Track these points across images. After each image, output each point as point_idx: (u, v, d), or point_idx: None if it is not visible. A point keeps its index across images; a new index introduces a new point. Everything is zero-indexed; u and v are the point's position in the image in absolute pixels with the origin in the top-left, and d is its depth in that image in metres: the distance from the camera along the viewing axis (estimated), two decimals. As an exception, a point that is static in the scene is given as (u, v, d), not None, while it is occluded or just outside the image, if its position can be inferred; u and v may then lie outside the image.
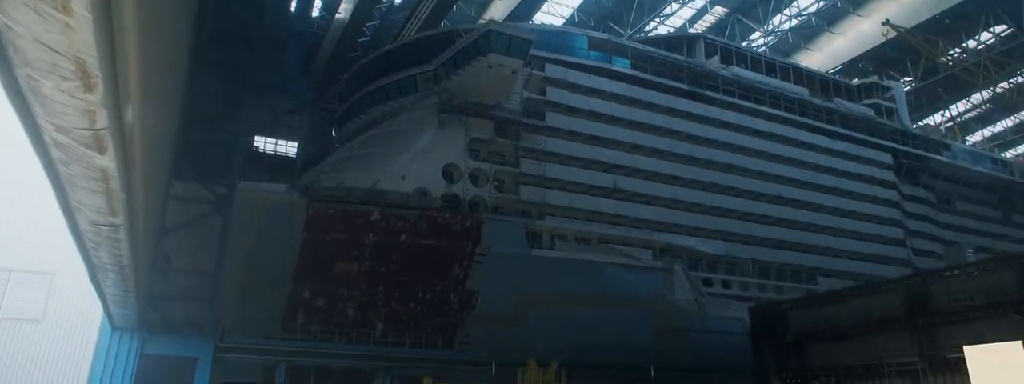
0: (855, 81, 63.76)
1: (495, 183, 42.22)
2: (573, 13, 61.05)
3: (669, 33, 63.55)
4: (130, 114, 9.80)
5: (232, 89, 33.27)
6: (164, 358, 33.79)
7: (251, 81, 37.26)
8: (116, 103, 8.46)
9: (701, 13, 64.40)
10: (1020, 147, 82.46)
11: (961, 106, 77.98)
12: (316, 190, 37.87)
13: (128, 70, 8.37)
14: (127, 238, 14.60)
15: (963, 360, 26.69)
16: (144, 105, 10.80)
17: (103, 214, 12.86)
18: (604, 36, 50.63)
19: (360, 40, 51.04)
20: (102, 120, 8.19)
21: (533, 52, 41.69)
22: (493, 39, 38.70)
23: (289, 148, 53.52)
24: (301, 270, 37.92)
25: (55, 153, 9.32)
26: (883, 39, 58.67)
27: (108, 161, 9.75)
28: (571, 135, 44.61)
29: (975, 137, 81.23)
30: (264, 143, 53.15)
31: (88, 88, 7.10)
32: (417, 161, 39.99)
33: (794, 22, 66.04)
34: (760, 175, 50.79)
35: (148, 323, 33.49)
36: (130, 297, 24.18)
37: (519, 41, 39.21)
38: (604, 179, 44.61)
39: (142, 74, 9.38)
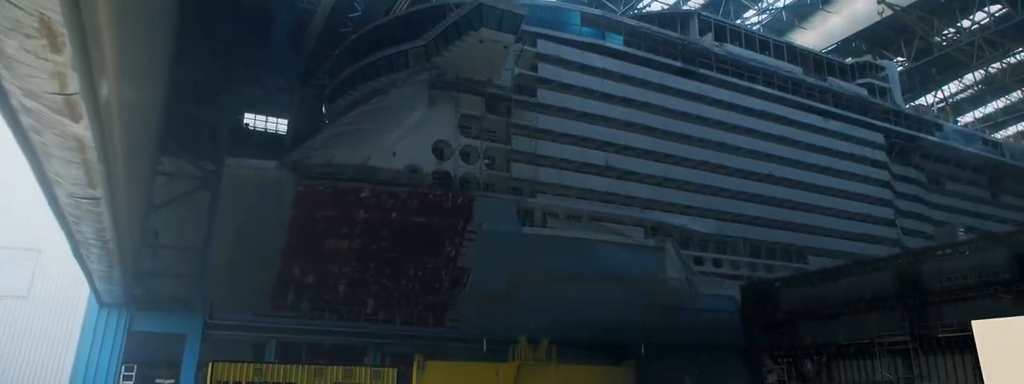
0: (849, 60, 63.51)
1: (486, 160, 41.98)
2: (566, -12, 60.17)
3: (663, 10, 63.05)
4: (106, 82, 9.44)
5: (220, 63, 32.73)
6: (152, 335, 33.55)
7: (240, 56, 36.73)
8: (87, 67, 8.09)
9: (695, -10, 63.79)
10: (1011, 128, 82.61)
11: (953, 87, 77.93)
12: (305, 167, 37.49)
13: (99, 32, 8.00)
14: (108, 212, 14.27)
15: (953, 340, 26.82)
16: (122, 73, 10.43)
17: (82, 186, 12.52)
18: (597, 12, 50.12)
19: (351, 15, 50.25)
20: (73, 84, 7.83)
21: (525, 27, 41.23)
22: (484, 13, 38.22)
23: (279, 125, 53.02)
24: (291, 247, 37.76)
25: (26, 120, 8.97)
26: (878, 18, 58.30)
27: (83, 129, 9.40)
28: (563, 112, 44.29)
29: (966, 118, 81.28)
30: (254, 120, 52.64)
31: (55, 48, 6.76)
32: (408, 138, 39.64)
33: (788, 0, 65.51)
34: (752, 154, 50.68)
35: (135, 299, 33.22)
36: (115, 273, 23.87)
37: (511, 16, 38.75)
38: (596, 157, 44.38)
39: (117, 39, 9.00)
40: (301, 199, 36.60)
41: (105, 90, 9.53)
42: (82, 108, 8.71)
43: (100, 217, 14.99)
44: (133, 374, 31.24)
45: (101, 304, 31.51)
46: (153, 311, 33.92)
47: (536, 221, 41.49)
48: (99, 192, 12.96)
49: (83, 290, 30.61)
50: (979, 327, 22.42)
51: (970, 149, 63.78)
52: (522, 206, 41.35)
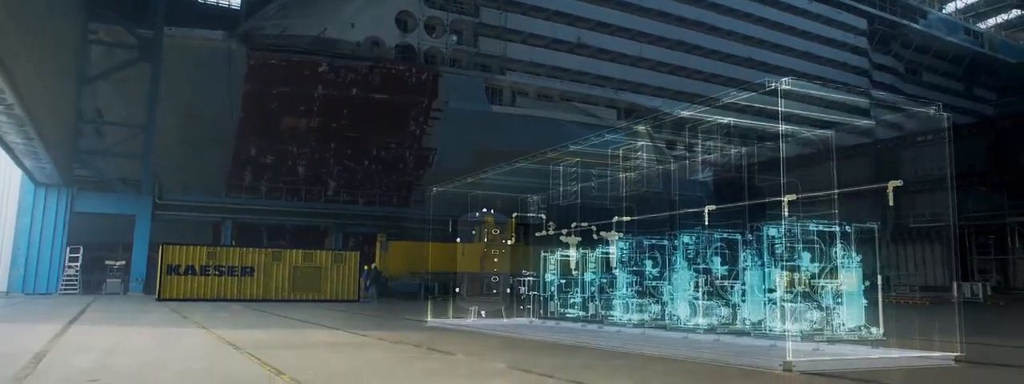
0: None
1: (453, 33, 39.37)
2: None
3: None
4: None
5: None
6: (99, 216, 31.86)
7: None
8: None
9: None
10: (989, 20, 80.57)
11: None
12: (256, 37, 34.75)
13: None
14: (2, 73, 12.14)
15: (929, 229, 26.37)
16: None
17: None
18: None
19: None
20: None
21: None
22: None
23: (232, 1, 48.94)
24: (246, 125, 35.94)
25: None
26: None
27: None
28: (534, -17, 41.24)
29: (949, 8, 78.90)
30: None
31: None
32: (368, 7, 36.75)
33: None
34: (730, 35, 48.43)
35: (77, 180, 31.36)
36: (37, 147, 21.78)
37: None
38: (568, 32, 41.87)
39: None
40: (254, 73, 34.29)
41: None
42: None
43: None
44: (79, 256, 29.72)
45: (37, 184, 29.48)
46: (97, 192, 32.09)
47: (505, 99, 39.62)
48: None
49: (17, 170, 28.45)
50: None
51: (951, 39, 62.12)
52: (490, 83, 39.36)
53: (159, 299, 24.36)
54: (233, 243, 31.78)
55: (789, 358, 6.41)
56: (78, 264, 29.69)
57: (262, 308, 20.20)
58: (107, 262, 31.06)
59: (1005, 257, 31.92)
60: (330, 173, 38.16)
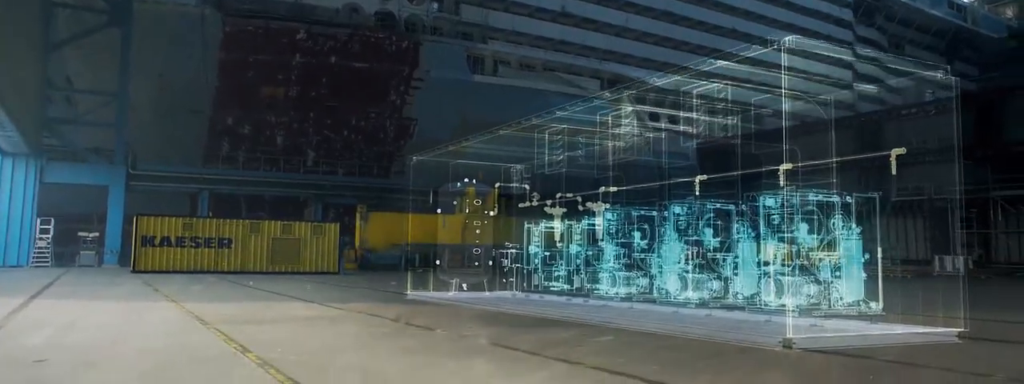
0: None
1: (433, 1, 38.47)
2: None
3: None
4: None
5: None
6: (71, 187, 31.08)
7: None
8: None
9: None
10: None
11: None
12: (232, 3, 33.68)
13: None
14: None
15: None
16: None
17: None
18: None
19: None
20: None
21: None
22: None
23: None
24: (222, 94, 35.11)
25: None
26: None
27: None
28: (518, -50, 40.31)
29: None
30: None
31: None
32: (346, -27, 35.75)
33: None
34: (717, 6, 47.84)
35: (47, 149, 30.52)
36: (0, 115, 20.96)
37: None
38: (552, 1, 41.07)
39: None
40: (230, 40, 33.40)
41: None
42: None
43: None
44: (51, 228, 28.93)
45: (3, 153, 28.53)
46: (69, 162, 31.28)
47: (487, 69, 38.88)
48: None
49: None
50: None
51: (935, 12, 61.87)
52: (472, 52, 38.54)
53: (134, 271, 23.81)
54: (210, 214, 31.12)
55: (789, 334, 6.06)
56: (49, 236, 28.91)
57: (238, 280, 19.71)
58: (80, 234, 30.27)
59: (987, 231, 31.95)
60: (309, 143, 37.48)
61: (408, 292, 13.81)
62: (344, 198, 35.97)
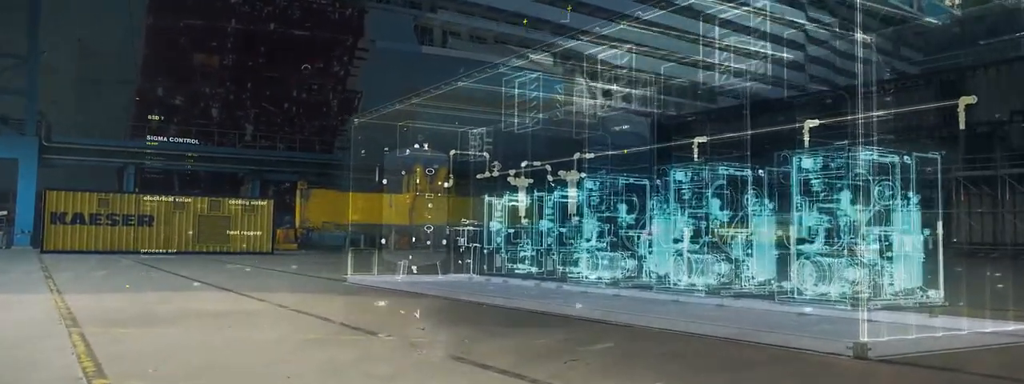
0: None
1: (380, -36, 36.34)
2: None
3: None
4: None
5: None
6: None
7: None
8: None
9: None
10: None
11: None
12: (159, -40, 31.05)
13: None
14: None
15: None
16: None
17: None
18: None
19: None
20: None
21: None
22: None
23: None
24: (149, 62, 32.57)
25: None
26: None
27: None
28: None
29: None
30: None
31: None
32: (285, -69, 33.26)
33: None
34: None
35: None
36: None
37: None
38: (507, -30, 39.22)
39: None
40: (156, 3, 30.98)
41: None
42: None
43: None
44: (-48, 203, 26.07)
45: None
46: (-30, 131, 28.33)
47: (436, 40, 36.92)
48: None
49: None
50: None
51: (884, -1, 61.92)
52: (421, 22, 36.51)
53: (44, 252, 21.47)
54: (136, 191, 28.52)
55: (864, 338, 4.40)
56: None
57: (156, 263, 17.51)
58: (-14, 212, 27.49)
59: (949, 211, 31.58)
60: (247, 117, 35.05)
61: (348, 276, 11.93)
62: (284, 174, 33.70)
